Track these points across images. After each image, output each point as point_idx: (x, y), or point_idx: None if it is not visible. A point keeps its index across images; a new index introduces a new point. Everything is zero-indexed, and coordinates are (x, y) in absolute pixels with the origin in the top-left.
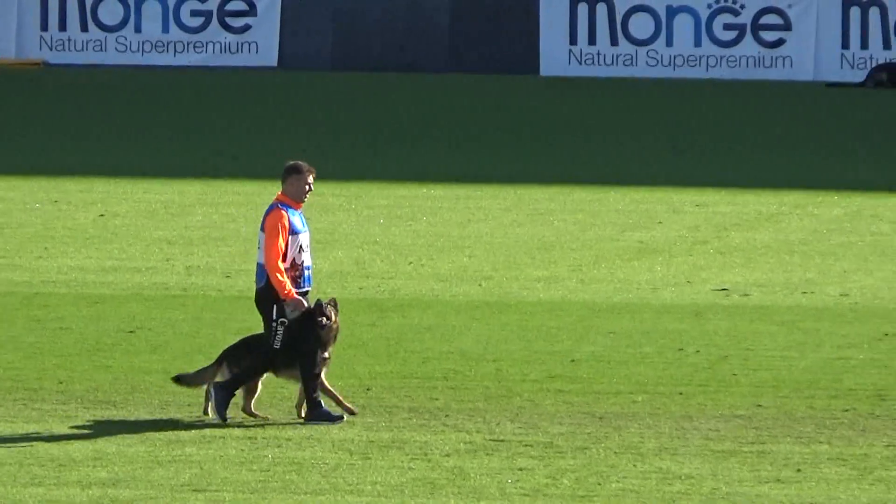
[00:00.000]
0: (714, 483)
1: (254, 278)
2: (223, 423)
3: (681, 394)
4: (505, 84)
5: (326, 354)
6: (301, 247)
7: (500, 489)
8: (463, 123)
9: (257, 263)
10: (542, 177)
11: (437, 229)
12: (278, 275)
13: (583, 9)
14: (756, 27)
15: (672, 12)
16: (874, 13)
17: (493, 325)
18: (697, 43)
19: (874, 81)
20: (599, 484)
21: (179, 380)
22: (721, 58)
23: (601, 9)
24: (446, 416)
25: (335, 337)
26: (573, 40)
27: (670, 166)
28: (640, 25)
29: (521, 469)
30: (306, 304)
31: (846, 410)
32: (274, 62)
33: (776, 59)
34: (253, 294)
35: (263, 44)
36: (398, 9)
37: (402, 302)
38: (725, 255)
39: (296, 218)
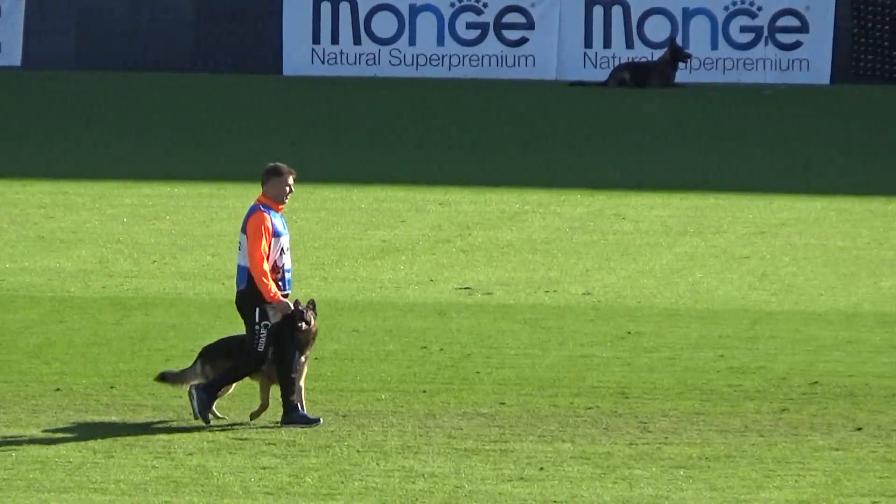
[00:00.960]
0: (457, 481)
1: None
2: (206, 424)
3: (424, 392)
4: (248, 83)
5: (303, 358)
6: (282, 249)
7: (244, 488)
8: (207, 123)
9: (238, 265)
10: None
11: (181, 228)
12: (263, 278)
13: (326, 8)
14: (499, 26)
15: (415, 11)
16: (617, 12)
17: (237, 323)
18: (440, 42)
19: (617, 80)
20: (342, 482)
21: (164, 378)
22: (464, 57)
23: (344, 8)
24: (190, 414)
25: (313, 340)
26: (316, 40)
27: (413, 165)
28: (384, 24)
29: (264, 468)
30: (292, 307)
31: (589, 408)
32: (18, 62)
33: (519, 57)
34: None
35: (7, 44)
36: (142, 8)
37: (145, 300)
38: (468, 254)
39: (277, 220)
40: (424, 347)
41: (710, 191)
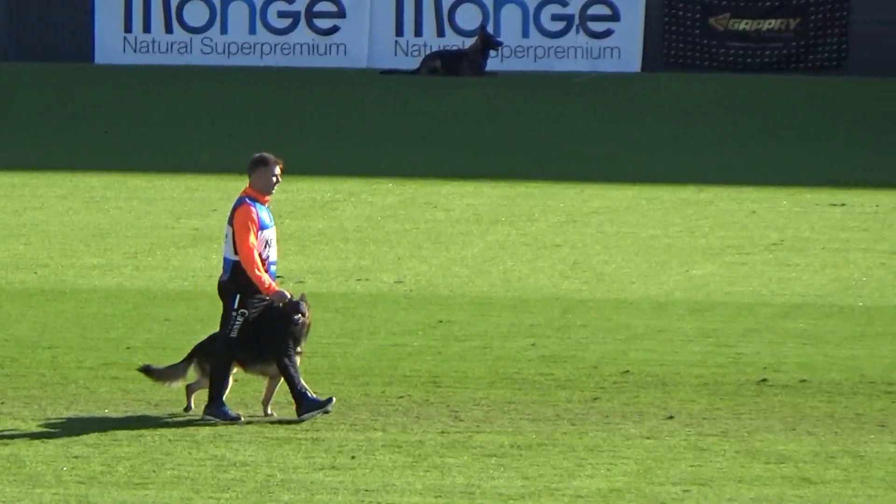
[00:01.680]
0: (269, 470)
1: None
2: (237, 421)
3: (236, 381)
4: (60, 72)
5: (299, 349)
6: (267, 242)
7: (56, 477)
8: (20, 112)
9: (224, 257)
10: (98, 164)
11: None
12: (256, 270)
13: None
14: (310, 14)
15: (227, 0)
16: (428, 1)
17: (49, 312)
18: (252, 31)
19: (428, 69)
20: (154, 471)
21: (149, 372)
22: (275, 45)
23: None
24: (2, 403)
25: (307, 333)
26: (128, 28)
27: (225, 154)
28: (196, 13)
29: (76, 457)
30: (289, 295)
31: (401, 397)
32: None
33: (330, 46)
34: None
35: None
36: None
37: None
38: (280, 243)
39: (263, 212)
40: None
41: (521, 179)
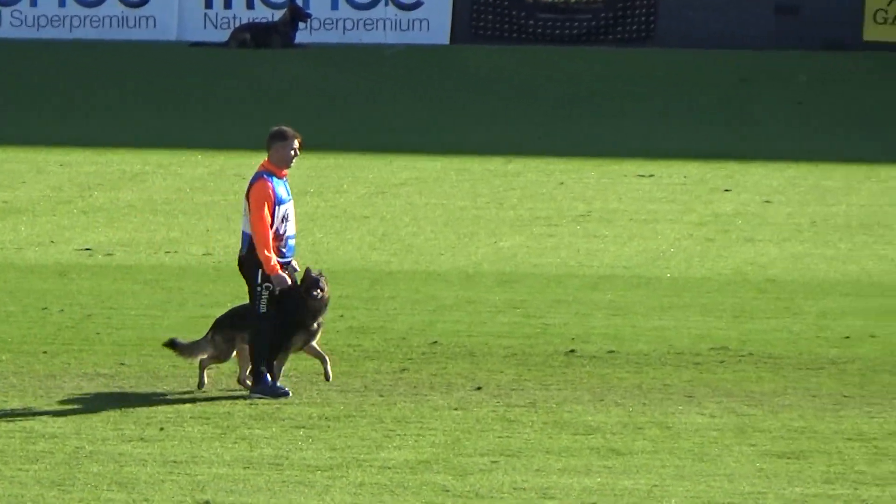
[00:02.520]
0: (78, 442)
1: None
2: (286, 396)
3: (45, 352)
4: None
5: (316, 325)
6: (285, 216)
7: None
8: None
9: (242, 231)
10: None
11: None
12: (266, 251)
13: None
14: None
15: None
16: None
17: None
18: (62, 4)
19: (237, 42)
20: None
21: (174, 346)
22: (85, 18)
23: None
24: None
25: (325, 307)
26: None
27: (32, 126)
28: None
29: None
30: (290, 282)
31: (209, 368)
32: None
33: (140, 18)
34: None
35: None
36: None
37: None
38: (89, 215)
39: (280, 187)
40: (45, 308)
41: (329, 151)
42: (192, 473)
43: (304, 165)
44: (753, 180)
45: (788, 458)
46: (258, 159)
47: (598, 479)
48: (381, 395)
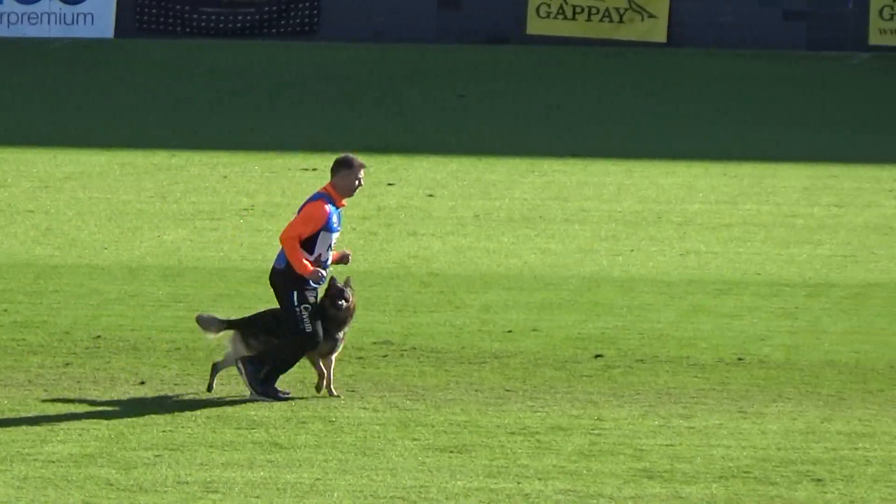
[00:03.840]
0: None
1: None
2: (282, 398)
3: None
4: None
5: (341, 335)
6: (330, 245)
7: None
8: None
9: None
10: None
11: None
12: (296, 252)
13: None
14: None
15: None
16: None
17: None
18: None
19: None
20: None
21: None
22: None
23: None
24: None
25: (351, 316)
26: None
27: None
28: None
29: None
30: (325, 274)
31: None
32: None
33: None
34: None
35: None
36: None
37: None
38: None
39: (335, 215)
40: None
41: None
42: None
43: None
44: (417, 174)
45: (451, 452)
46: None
47: (262, 473)
48: (46, 390)
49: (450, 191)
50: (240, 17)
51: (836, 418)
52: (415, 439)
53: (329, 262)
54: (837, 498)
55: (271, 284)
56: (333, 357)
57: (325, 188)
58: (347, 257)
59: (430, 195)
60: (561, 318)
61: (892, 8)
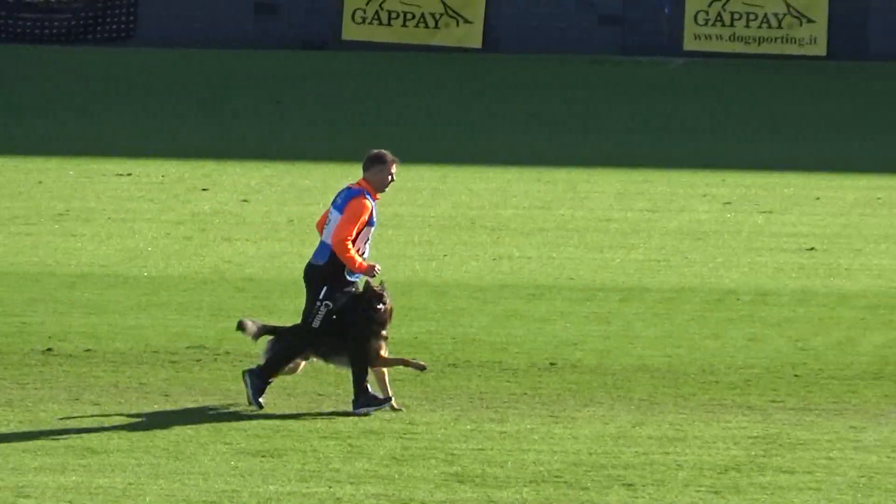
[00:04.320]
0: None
1: None
2: (259, 409)
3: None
4: None
5: (385, 333)
6: (368, 238)
7: None
8: None
9: (322, 242)
10: None
11: None
12: (349, 252)
13: None
14: None
15: None
16: None
17: None
18: None
19: None
20: None
21: (242, 327)
22: None
23: None
24: None
25: (390, 319)
26: None
27: None
28: None
29: None
30: (377, 268)
31: None
32: None
33: None
34: None
35: None
36: None
37: None
38: None
39: (375, 210)
40: None
41: None
42: None
43: None
44: (231, 179)
45: (263, 456)
46: None
47: (74, 478)
48: None
49: (264, 196)
50: (56, 24)
51: (648, 423)
52: (227, 443)
53: (366, 256)
54: (648, 502)
55: (305, 279)
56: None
57: (359, 183)
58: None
59: (245, 200)
60: None
61: (708, 13)
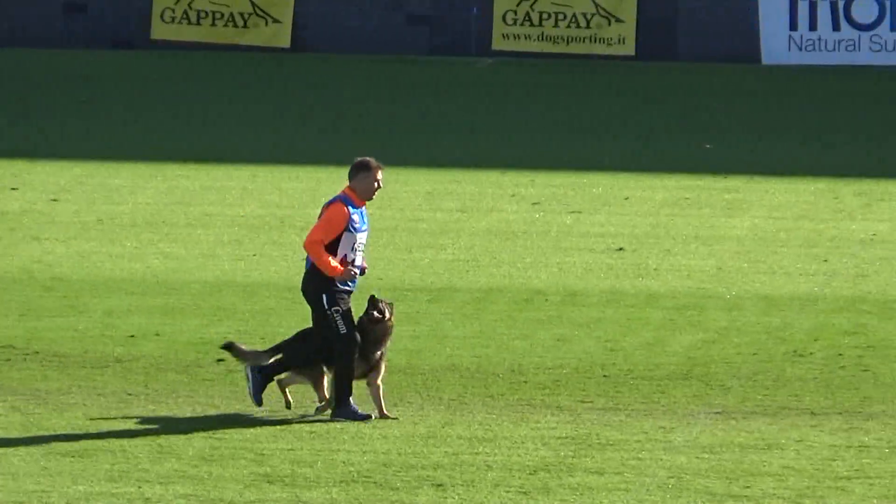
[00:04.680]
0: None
1: None
2: (368, 419)
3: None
4: None
5: (378, 355)
6: (355, 245)
7: None
8: None
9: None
10: None
11: None
12: (321, 255)
13: None
14: None
15: None
16: None
17: None
18: None
19: None
20: None
21: (231, 348)
22: None
23: None
24: None
25: (389, 335)
26: None
27: None
28: None
29: None
30: (358, 272)
31: None
32: None
33: None
34: None
35: None
36: None
37: None
38: None
39: (356, 215)
40: None
41: None
42: None
43: None
44: (41, 178)
45: (73, 456)
46: None
47: None
48: None
49: (74, 195)
50: None
51: (458, 422)
52: (37, 443)
53: (358, 264)
54: (458, 503)
55: (303, 293)
56: (379, 382)
57: (343, 191)
58: None
59: (54, 200)
60: (184, 323)
61: (516, 13)
